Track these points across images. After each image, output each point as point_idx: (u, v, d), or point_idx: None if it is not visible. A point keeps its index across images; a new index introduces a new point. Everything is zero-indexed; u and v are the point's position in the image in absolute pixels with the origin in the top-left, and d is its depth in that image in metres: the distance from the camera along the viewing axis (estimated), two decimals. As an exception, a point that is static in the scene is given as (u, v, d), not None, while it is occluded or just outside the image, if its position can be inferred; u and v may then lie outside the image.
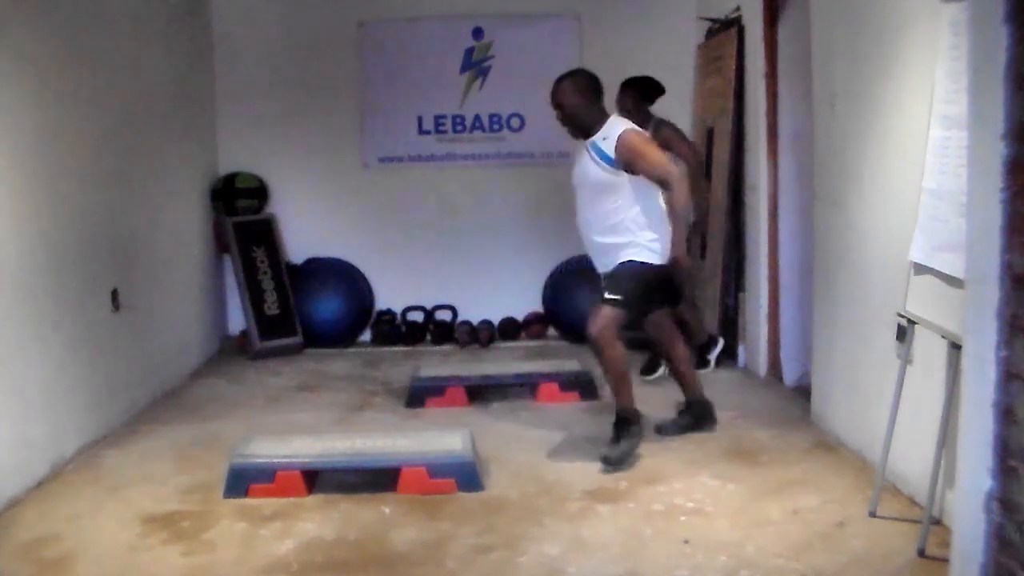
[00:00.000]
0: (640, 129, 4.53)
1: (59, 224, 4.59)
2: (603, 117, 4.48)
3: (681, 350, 4.89)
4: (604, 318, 4.37)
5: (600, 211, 4.45)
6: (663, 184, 4.38)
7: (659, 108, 7.23)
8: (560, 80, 4.49)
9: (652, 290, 4.54)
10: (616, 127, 4.41)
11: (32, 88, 4.37)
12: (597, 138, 4.42)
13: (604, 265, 4.54)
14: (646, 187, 4.40)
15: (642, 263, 4.41)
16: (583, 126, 4.47)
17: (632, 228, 4.41)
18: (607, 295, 4.40)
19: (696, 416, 4.84)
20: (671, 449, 4.56)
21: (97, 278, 5.02)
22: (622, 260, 4.42)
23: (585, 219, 4.53)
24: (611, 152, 4.35)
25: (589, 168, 4.44)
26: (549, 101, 4.50)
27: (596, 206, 4.45)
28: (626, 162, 4.34)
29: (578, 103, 4.43)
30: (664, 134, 5.51)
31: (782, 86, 5.69)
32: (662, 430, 4.77)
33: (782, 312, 5.78)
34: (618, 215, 4.41)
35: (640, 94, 5.71)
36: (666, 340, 4.86)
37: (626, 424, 4.44)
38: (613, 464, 4.28)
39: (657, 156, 4.38)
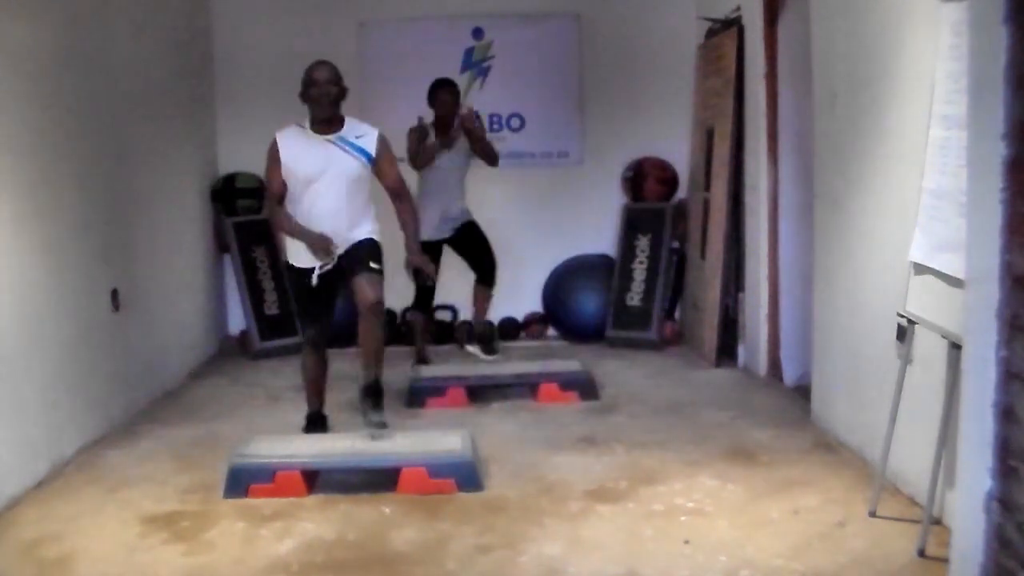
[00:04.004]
0: None
1: (59, 224, 4.59)
2: (340, 114, 4.64)
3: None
4: (380, 285, 4.57)
5: (355, 203, 4.63)
6: (397, 193, 4.74)
7: (661, 108, 7.29)
8: (332, 67, 4.60)
9: None
10: (368, 128, 4.66)
11: (32, 88, 4.37)
12: (347, 134, 4.59)
13: (342, 248, 4.60)
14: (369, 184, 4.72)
15: (378, 240, 4.70)
16: (332, 114, 4.56)
17: (371, 215, 4.73)
18: (372, 264, 4.57)
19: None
20: (671, 449, 4.56)
21: (97, 278, 5.02)
22: (367, 237, 4.65)
23: (336, 208, 4.58)
24: (371, 150, 4.60)
25: (347, 162, 4.57)
26: (328, 79, 4.53)
27: (352, 198, 4.61)
28: (378, 161, 4.63)
29: (340, 91, 4.58)
30: (475, 127, 6.14)
31: (782, 86, 5.69)
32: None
33: (782, 312, 5.78)
34: (366, 208, 4.69)
35: (458, 94, 6.27)
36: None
37: (381, 392, 4.63)
38: (379, 430, 4.45)
39: (398, 168, 4.78)
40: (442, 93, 6.13)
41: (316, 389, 4.94)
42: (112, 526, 3.80)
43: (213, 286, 7.10)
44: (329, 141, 4.55)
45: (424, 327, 6.45)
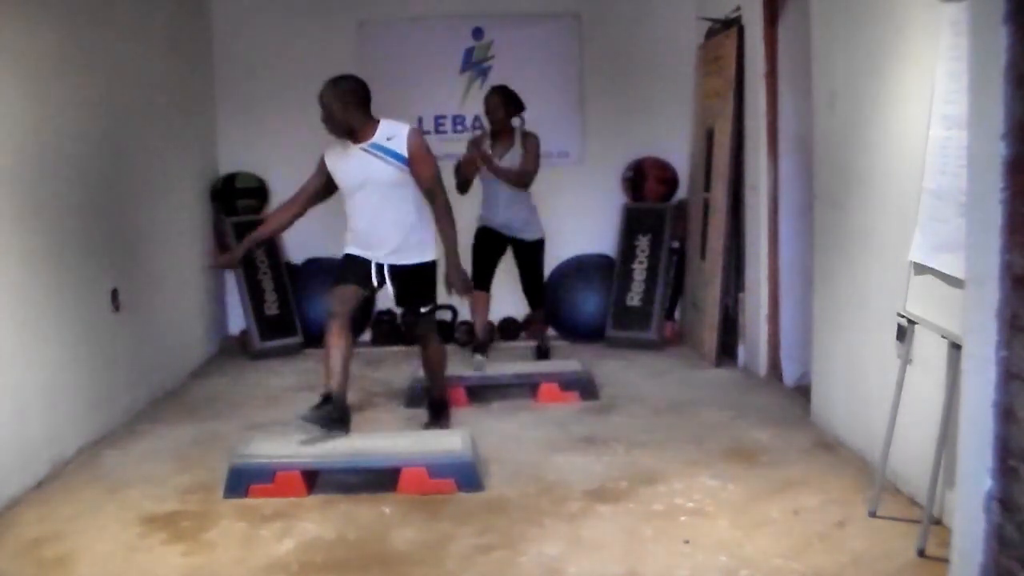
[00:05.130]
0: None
1: (59, 224, 4.59)
2: (372, 121, 4.52)
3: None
4: (429, 330, 4.84)
5: (400, 209, 4.55)
6: (430, 194, 4.59)
7: (661, 108, 7.29)
8: (327, 84, 4.51)
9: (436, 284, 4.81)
10: (400, 127, 4.52)
11: (32, 88, 4.37)
12: (378, 139, 4.48)
13: (393, 259, 4.62)
14: (416, 188, 4.60)
15: (434, 261, 4.72)
16: (346, 127, 4.47)
17: (423, 224, 4.65)
18: (423, 309, 4.75)
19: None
20: (671, 449, 4.56)
21: (97, 278, 5.02)
22: (423, 260, 4.67)
23: (371, 217, 4.55)
24: (403, 150, 4.46)
25: (376, 167, 4.48)
26: (324, 103, 4.49)
27: (394, 205, 4.54)
28: (412, 159, 4.48)
29: (339, 104, 4.44)
30: (529, 144, 6.04)
31: (782, 86, 5.70)
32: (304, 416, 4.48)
33: (782, 312, 5.78)
34: (414, 212, 4.60)
35: (508, 101, 5.99)
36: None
37: (445, 406, 5.07)
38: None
39: (435, 166, 4.58)
40: (488, 97, 6.05)
41: (335, 367, 4.41)
42: (112, 526, 3.80)
43: (213, 286, 7.10)
44: (363, 150, 4.48)
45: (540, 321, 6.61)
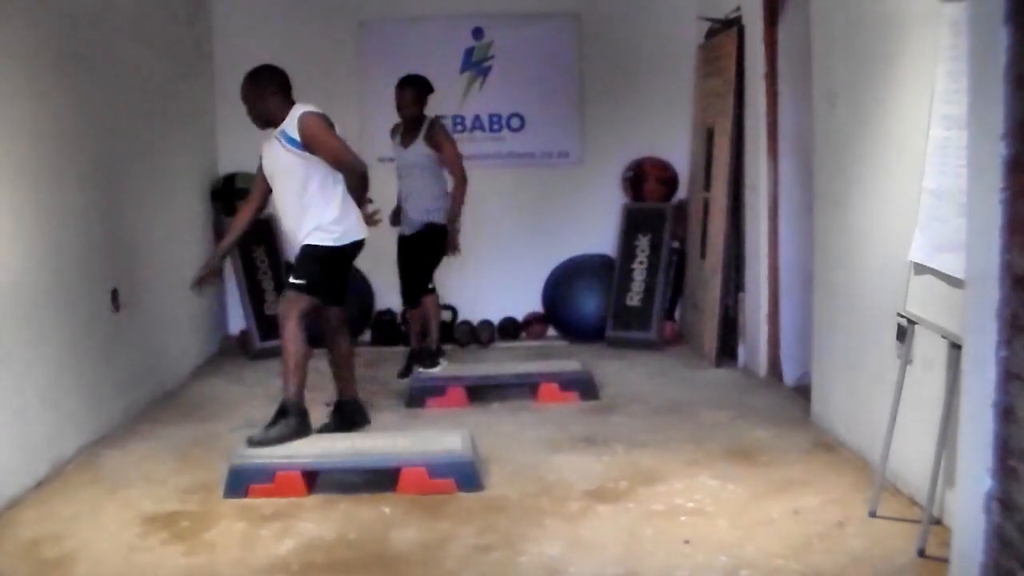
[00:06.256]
0: (321, 113, 4.50)
1: (59, 224, 4.59)
2: (288, 107, 4.50)
3: (344, 348, 4.95)
4: (289, 302, 4.50)
5: (291, 194, 4.52)
6: (341, 168, 4.48)
7: (661, 108, 7.29)
8: (244, 78, 4.57)
9: (335, 271, 4.63)
10: (297, 110, 4.48)
11: (32, 88, 4.37)
12: (284, 126, 4.47)
13: (295, 249, 4.66)
14: (332, 171, 4.50)
15: (320, 245, 4.51)
16: (264, 118, 4.53)
17: (320, 210, 4.50)
18: (291, 279, 4.55)
19: (347, 416, 4.92)
20: (671, 449, 4.56)
21: (97, 278, 5.02)
22: (304, 243, 4.53)
23: (280, 206, 4.61)
24: (296, 135, 4.42)
25: (280, 154, 4.49)
26: (242, 96, 4.58)
27: (288, 190, 4.53)
28: (306, 143, 4.42)
29: (255, 97, 4.51)
30: (436, 133, 5.87)
31: (782, 86, 5.70)
32: (320, 430, 4.70)
33: (782, 312, 5.78)
34: (305, 197, 4.50)
35: (420, 91, 5.88)
36: (330, 335, 4.89)
37: (284, 414, 4.44)
38: (254, 444, 4.29)
39: (334, 141, 4.46)
40: (403, 92, 5.88)
41: (335, 378, 5.02)
42: (112, 526, 3.80)
43: (213, 286, 7.09)
44: (275, 138, 4.51)
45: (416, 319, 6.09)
